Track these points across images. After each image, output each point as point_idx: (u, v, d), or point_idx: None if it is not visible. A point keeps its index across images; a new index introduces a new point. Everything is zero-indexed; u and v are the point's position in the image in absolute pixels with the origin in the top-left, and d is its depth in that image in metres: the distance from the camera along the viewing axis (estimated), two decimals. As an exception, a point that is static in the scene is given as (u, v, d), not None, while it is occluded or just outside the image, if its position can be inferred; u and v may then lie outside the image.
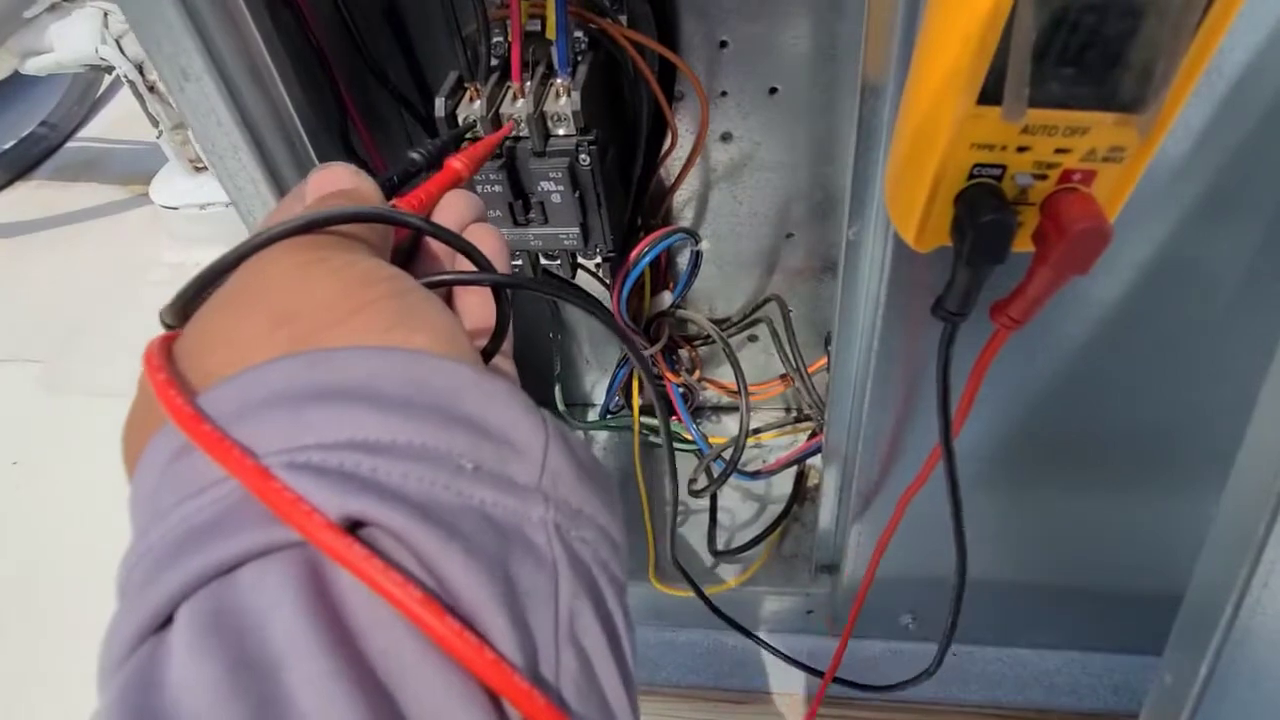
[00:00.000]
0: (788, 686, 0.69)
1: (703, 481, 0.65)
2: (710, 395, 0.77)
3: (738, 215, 0.63)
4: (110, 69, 1.13)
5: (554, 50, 0.44)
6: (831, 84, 0.54)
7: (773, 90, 0.55)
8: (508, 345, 0.28)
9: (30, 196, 1.47)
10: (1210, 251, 0.38)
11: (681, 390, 0.70)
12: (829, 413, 0.51)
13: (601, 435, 0.80)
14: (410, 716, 0.16)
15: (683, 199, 0.62)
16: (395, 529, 0.17)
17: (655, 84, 0.50)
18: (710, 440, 0.71)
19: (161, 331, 0.22)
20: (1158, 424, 0.48)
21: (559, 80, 0.45)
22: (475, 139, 0.45)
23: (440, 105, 0.45)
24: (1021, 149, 0.28)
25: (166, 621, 0.17)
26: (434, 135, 0.47)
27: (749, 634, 0.65)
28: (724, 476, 0.63)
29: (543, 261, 0.54)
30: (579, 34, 0.47)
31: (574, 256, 0.53)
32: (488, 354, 0.27)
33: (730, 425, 0.78)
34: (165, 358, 0.20)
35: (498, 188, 0.47)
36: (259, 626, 0.16)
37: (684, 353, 0.70)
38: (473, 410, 0.19)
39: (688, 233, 0.57)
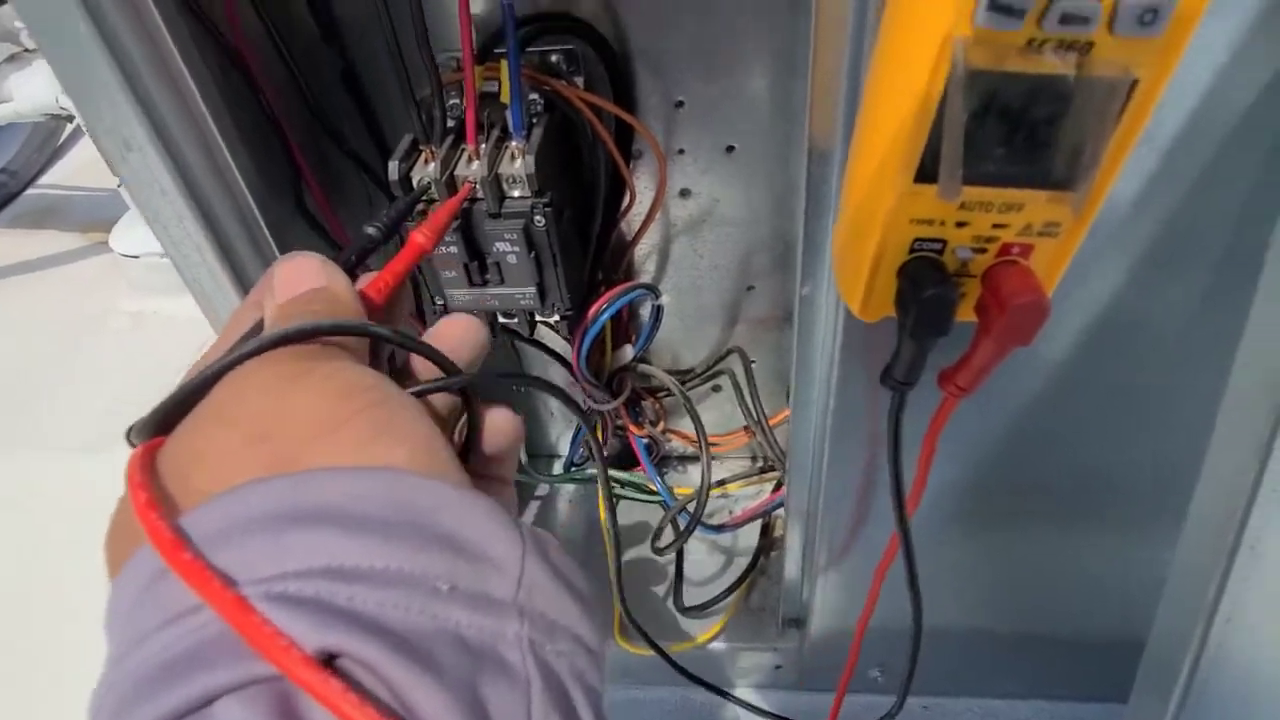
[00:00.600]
0: (758, 743, 0.68)
1: (668, 537, 0.65)
2: (676, 445, 0.76)
3: (699, 269, 0.63)
4: (71, 118, 1.13)
5: (509, 113, 0.45)
6: (788, 140, 0.54)
7: (729, 148, 0.56)
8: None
9: (-12, 244, 1.44)
10: (1151, 312, 0.39)
11: (646, 442, 0.69)
12: (790, 469, 0.50)
13: (568, 488, 0.79)
14: None
15: (644, 253, 0.63)
16: (369, 661, 0.17)
17: (612, 144, 0.50)
18: (676, 491, 0.70)
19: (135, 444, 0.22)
20: (1110, 475, 0.49)
21: (514, 143, 0.45)
22: (430, 201, 0.45)
23: (394, 169, 0.45)
24: (960, 224, 0.28)
25: None
26: (391, 197, 0.47)
27: (716, 690, 0.64)
28: (687, 532, 0.62)
29: (500, 320, 0.53)
30: (534, 96, 0.47)
31: (532, 315, 0.53)
32: (464, 454, 0.27)
33: (696, 475, 0.78)
34: (148, 474, 0.20)
35: (453, 249, 0.46)
36: None
37: (648, 405, 0.70)
38: (451, 527, 0.20)
39: (647, 288, 0.57)
